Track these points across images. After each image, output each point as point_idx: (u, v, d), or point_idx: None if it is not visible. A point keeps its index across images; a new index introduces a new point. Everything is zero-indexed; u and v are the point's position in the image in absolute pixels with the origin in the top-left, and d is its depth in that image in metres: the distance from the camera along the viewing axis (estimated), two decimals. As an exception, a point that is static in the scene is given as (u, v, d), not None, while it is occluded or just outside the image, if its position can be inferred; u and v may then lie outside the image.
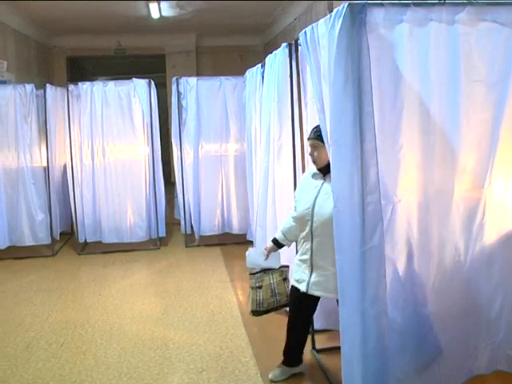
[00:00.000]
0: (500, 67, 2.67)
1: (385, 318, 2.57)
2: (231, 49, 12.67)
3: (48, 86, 6.87)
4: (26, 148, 6.80)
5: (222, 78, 7.09)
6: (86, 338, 4.28)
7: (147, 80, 6.94)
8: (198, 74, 12.13)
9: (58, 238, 7.11)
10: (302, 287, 3.15)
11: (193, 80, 7.01)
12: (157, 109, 7.08)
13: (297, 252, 3.35)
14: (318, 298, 3.27)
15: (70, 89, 6.85)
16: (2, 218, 6.69)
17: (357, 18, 2.40)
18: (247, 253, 3.53)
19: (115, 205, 7.00)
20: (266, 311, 3.49)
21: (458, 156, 2.72)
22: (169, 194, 7.71)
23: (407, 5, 2.50)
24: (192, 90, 6.97)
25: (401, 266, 2.72)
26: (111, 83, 6.96)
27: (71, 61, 12.77)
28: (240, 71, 6.59)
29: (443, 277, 2.77)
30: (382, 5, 2.47)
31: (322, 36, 2.72)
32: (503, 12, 2.62)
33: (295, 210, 3.28)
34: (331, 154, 2.60)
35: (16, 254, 6.73)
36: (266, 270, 3.46)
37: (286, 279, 3.50)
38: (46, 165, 6.83)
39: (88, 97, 6.88)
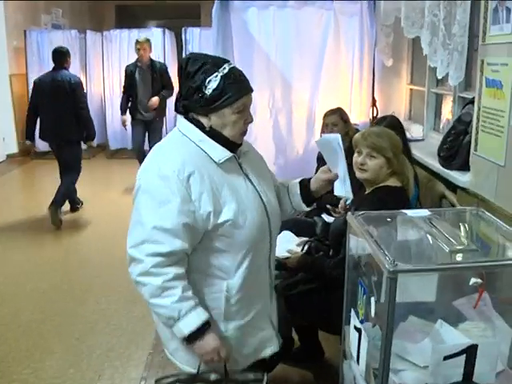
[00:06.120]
0: (318, 35, 4.50)
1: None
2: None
3: (88, 31, 9.06)
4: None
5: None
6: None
7: (162, 29, 8.97)
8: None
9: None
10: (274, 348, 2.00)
11: (197, 30, 8.97)
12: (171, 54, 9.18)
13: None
14: None
15: (104, 34, 8.97)
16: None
17: (223, 4, 4.31)
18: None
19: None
20: None
21: (293, 88, 4.62)
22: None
23: (254, -4, 4.41)
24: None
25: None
26: (135, 31, 9.02)
27: (120, 8, 14.86)
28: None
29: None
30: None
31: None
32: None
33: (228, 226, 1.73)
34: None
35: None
36: None
37: None
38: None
39: (117, 41, 8.98)
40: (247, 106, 1.75)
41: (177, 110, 1.79)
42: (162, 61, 8.78)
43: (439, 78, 3.40)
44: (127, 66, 6.84)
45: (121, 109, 6.73)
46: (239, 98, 1.69)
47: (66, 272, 4.62)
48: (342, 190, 1.95)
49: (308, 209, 2.06)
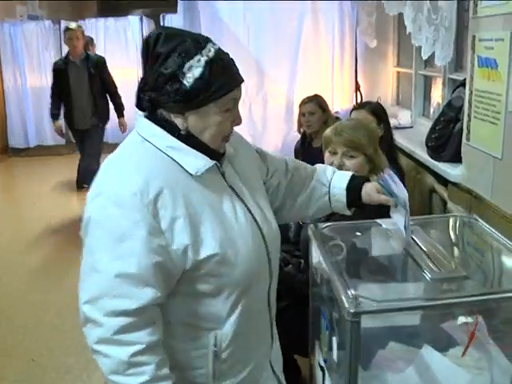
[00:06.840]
0: (294, 16, 4.14)
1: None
2: None
3: (62, 21, 8.64)
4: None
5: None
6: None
7: (140, 16, 8.64)
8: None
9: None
10: None
11: (175, 16, 8.53)
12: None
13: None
14: None
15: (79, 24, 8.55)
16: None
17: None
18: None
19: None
20: None
21: (268, 75, 4.26)
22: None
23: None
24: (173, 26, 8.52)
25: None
26: (111, 19, 8.67)
27: (102, -1, 14.43)
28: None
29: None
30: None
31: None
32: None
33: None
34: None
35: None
36: None
37: None
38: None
39: (93, 31, 8.56)
40: (237, 102, 1.32)
41: (139, 105, 1.31)
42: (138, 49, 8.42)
43: (424, 57, 3.04)
44: (55, 63, 5.69)
45: (51, 115, 5.57)
46: (229, 90, 1.26)
47: (19, 285, 4.19)
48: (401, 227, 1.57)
49: (350, 213, 1.66)
